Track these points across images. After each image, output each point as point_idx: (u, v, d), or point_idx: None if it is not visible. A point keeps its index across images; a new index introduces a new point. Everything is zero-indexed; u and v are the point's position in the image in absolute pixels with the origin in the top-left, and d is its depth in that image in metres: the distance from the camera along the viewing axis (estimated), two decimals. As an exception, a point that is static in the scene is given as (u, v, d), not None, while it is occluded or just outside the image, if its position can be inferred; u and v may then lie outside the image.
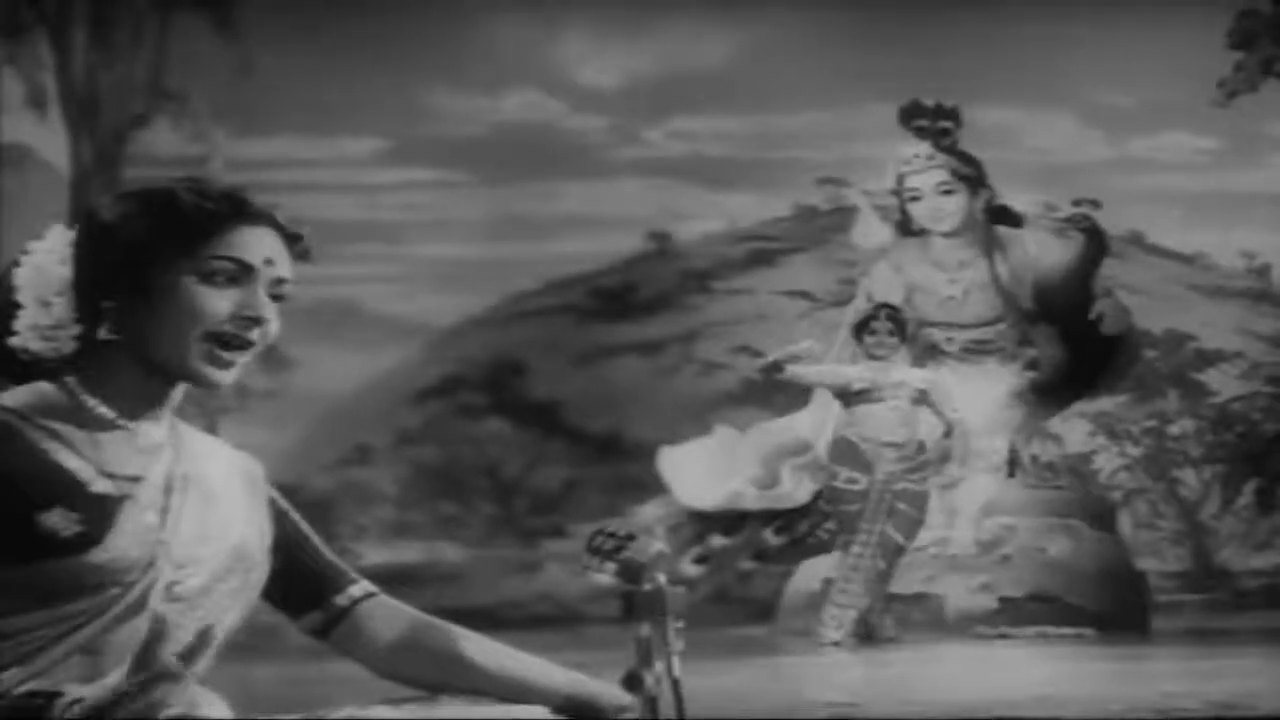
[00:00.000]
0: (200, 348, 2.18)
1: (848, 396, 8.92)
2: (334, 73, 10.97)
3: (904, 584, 9.24)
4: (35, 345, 2.22)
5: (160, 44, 11.12)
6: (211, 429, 2.41)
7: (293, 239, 2.27)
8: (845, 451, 8.83)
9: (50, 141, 11.07)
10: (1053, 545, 9.32)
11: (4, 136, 10.88)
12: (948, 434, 9.14)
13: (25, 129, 11.00)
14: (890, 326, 8.92)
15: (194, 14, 11.05)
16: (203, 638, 2.25)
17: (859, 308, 9.82)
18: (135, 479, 2.21)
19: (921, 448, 8.85)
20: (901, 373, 8.93)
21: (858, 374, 8.90)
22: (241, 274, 2.21)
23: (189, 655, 2.25)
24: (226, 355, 2.20)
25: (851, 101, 10.86)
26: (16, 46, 10.99)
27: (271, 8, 11.03)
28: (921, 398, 8.91)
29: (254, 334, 2.21)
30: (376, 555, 10.40)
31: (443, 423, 11.47)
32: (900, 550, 8.74)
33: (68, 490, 2.14)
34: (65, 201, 10.64)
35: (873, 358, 8.88)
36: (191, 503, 2.25)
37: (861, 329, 9.00)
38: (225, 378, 2.21)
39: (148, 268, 2.19)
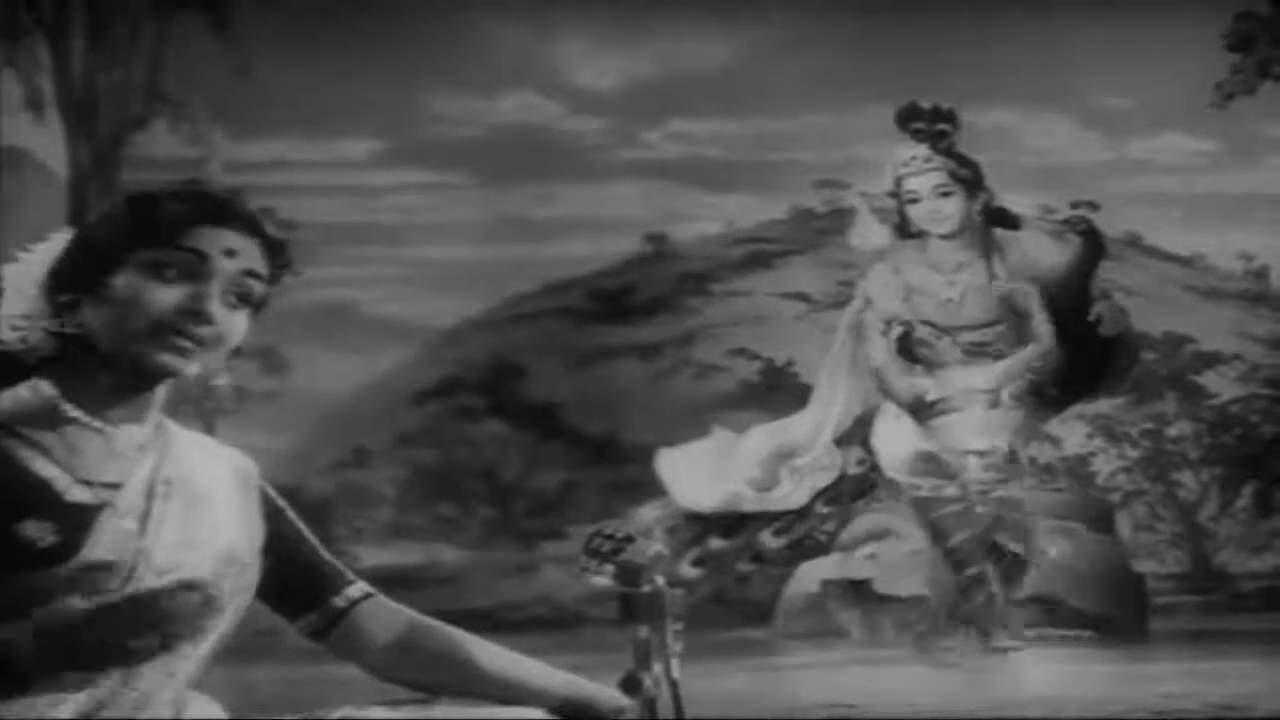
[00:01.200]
0: (145, 336, 2.14)
1: (921, 410, 8.68)
2: (332, 74, 10.96)
3: (902, 586, 9.24)
4: (3, 335, 2.20)
5: (158, 46, 11.11)
6: (209, 431, 2.39)
7: (275, 247, 2.25)
8: (926, 465, 8.58)
9: (48, 144, 11.06)
10: (1052, 547, 9.31)
11: (3, 139, 10.87)
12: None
13: (23, 132, 10.99)
14: (933, 331, 8.73)
15: (192, 16, 11.04)
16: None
17: (857, 309, 9.82)
18: (114, 485, 2.19)
19: (1012, 455, 8.61)
20: (965, 379, 8.68)
21: (930, 385, 8.66)
22: (196, 267, 2.17)
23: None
24: (177, 342, 2.16)
25: (849, 104, 10.85)
26: (14, 50, 10.98)
27: (269, 10, 11.02)
28: (994, 399, 8.62)
29: (203, 331, 2.18)
30: (374, 557, 10.39)
31: (441, 425, 11.45)
32: (1019, 560, 8.40)
33: (43, 499, 2.12)
34: (63, 204, 10.64)
35: (934, 365, 8.65)
36: (175, 508, 2.22)
37: (906, 349, 8.75)
38: (178, 365, 2.18)
39: (106, 262, 2.16)
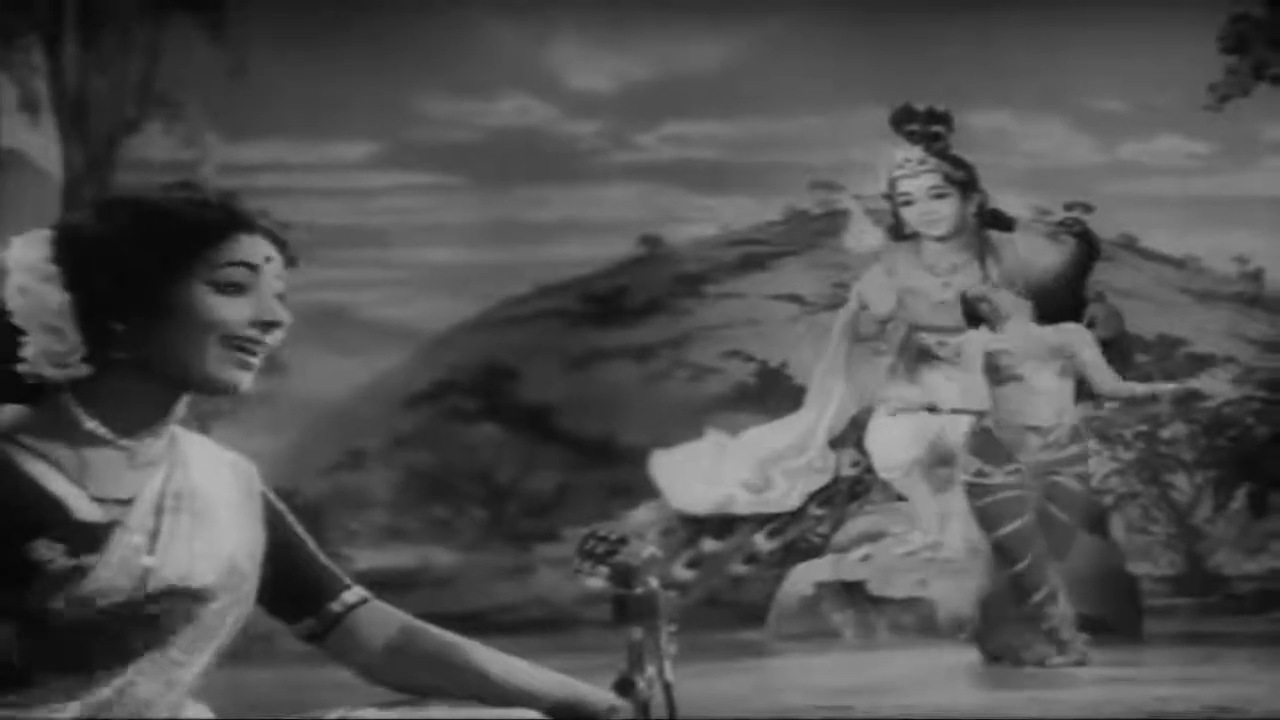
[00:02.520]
0: (217, 353, 2.15)
1: (995, 371, 7.61)
2: (327, 76, 10.96)
3: (896, 588, 9.26)
4: (49, 372, 2.16)
5: (152, 48, 11.11)
6: (204, 433, 2.38)
7: (282, 246, 2.25)
8: (984, 443, 7.62)
9: (42, 146, 11.06)
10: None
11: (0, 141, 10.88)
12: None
13: (18, 134, 10.99)
14: (999, 297, 7.96)
15: (186, 18, 11.04)
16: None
17: (851, 309, 9.84)
18: (125, 502, 2.17)
19: (1075, 433, 7.69)
20: (1050, 336, 7.72)
21: (996, 339, 7.64)
22: (249, 277, 2.18)
23: None
24: (246, 358, 2.18)
25: (843, 106, 10.86)
26: (9, 52, 10.98)
27: (264, 12, 11.02)
28: (1069, 365, 7.62)
29: (270, 338, 2.20)
30: (369, 559, 10.39)
31: (435, 427, 11.46)
32: (1039, 560, 7.54)
33: (54, 518, 2.10)
34: (57, 206, 10.64)
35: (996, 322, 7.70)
36: (183, 523, 2.21)
37: (974, 319, 7.78)
38: (245, 380, 2.19)
39: (158, 284, 2.15)
